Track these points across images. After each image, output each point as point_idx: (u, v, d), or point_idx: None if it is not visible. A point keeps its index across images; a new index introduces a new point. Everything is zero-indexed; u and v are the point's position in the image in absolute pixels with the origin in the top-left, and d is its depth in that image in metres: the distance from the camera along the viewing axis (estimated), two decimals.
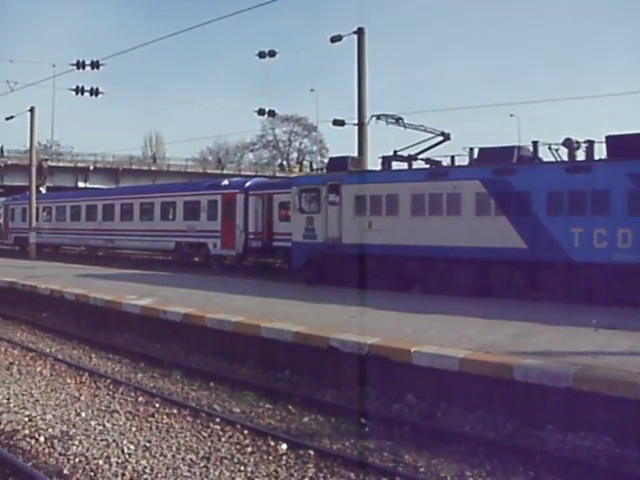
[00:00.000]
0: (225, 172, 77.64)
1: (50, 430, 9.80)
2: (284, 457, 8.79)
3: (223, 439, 9.51)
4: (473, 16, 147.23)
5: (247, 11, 26.51)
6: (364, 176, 23.08)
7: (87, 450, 8.94)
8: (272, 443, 9.27)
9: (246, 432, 9.75)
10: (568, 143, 19.17)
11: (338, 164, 24.28)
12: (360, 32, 29.02)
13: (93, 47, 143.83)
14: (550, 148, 19.60)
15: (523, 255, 18.56)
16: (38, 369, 13.99)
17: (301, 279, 24.09)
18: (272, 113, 35.95)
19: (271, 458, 8.75)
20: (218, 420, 10.29)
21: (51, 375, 13.51)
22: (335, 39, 28.73)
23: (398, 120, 24.08)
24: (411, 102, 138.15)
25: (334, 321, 14.59)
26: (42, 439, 9.38)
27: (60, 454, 8.80)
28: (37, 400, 11.49)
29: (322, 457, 8.77)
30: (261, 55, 29.57)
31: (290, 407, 11.12)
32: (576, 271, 17.68)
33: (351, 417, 10.43)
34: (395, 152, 23.78)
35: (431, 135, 23.56)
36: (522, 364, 10.13)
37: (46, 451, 8.93)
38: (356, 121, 28.74)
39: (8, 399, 11.55)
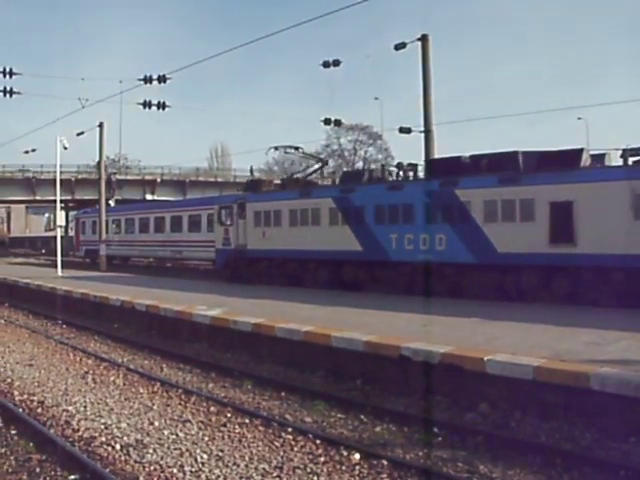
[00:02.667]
0: None
1: (125, 438, 9.96)
2: (357, 467, 8.71)
3: (295, 449, 9.48)
4: (538, 19, 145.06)
5: (310, 22, 27.00)
6: (260, 196, 28.65)
7: (161, 458, 9.05)
8: (345, 453, 9.20)
9: (318, 442, 9.71)
10: (400, 166, 25.17)
11: (253, 185, 30.61)
12: (424, 39, 29.01)
13: (158, 62, 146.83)
14: (389, 171, 25.74)
15: (361, 256, 23.70)
16: (111, 378, 14.24)
17: (222, 279, 30.08)
18: (338, 122, 35.79)
19: (344, 468, 8.69)
20: (290, 430, 10.27)
21: (124, 384, 13.72)
22: (399, 47, 28.67)
23: (297, 149, 31.74)
24: (477, 107, 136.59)
25: (404, 331, 14.47)
26: (118, 446, 9.55)
27: (135, 462, 8.93)
28: (112, 409, 11.69)
29: (395, 467, 8.67)
30: (325, 65, 29.60)
31: (362, 416, 11.02)
32: (395, 269, 22.47)
33: (423, 426, 10.28)
34: (292, 174, 33.12)
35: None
36: (599, 373, 9.81)
37: (122, 458, 9.08)
38: (422, 128, 28.61)
39: (85, 407, 11.81)
